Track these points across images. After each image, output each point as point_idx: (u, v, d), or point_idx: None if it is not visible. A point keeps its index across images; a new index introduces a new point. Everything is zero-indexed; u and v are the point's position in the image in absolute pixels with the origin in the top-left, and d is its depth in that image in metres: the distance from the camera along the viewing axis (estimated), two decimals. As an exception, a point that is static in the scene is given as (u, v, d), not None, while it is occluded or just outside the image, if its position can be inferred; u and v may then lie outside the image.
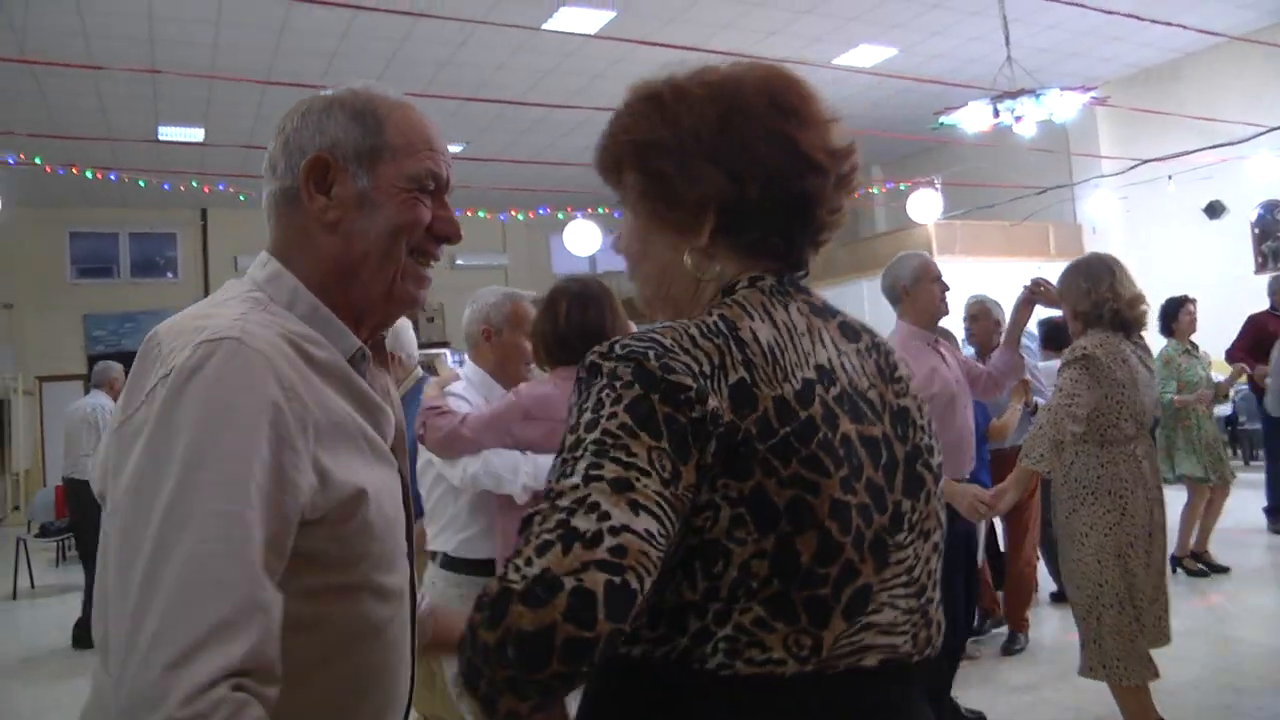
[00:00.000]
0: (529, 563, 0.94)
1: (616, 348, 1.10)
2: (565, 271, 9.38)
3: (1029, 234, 14.34)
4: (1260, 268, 12.46)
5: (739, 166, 1.20)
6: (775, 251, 1.25)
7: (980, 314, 5.39)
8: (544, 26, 10.35)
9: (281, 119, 1.36)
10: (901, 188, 12.79)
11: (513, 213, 15.06)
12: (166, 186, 12.19)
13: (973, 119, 8.49)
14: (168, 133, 12.78)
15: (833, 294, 14.44)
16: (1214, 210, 13.31)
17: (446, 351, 16.68)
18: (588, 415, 1.06)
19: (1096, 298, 3.62)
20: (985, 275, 11.94)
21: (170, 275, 17.38)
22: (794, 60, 7.12)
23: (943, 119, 8.80)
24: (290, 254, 1.32)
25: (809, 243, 1.28)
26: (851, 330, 1.29)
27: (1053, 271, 4.68)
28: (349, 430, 1.23)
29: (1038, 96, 8.09)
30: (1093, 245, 14.42)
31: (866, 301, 13.17)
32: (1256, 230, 13.07)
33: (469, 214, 14.89)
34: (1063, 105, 8.21)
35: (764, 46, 11.00)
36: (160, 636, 0.98)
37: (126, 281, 17.03)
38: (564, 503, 0.98)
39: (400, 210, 1.31)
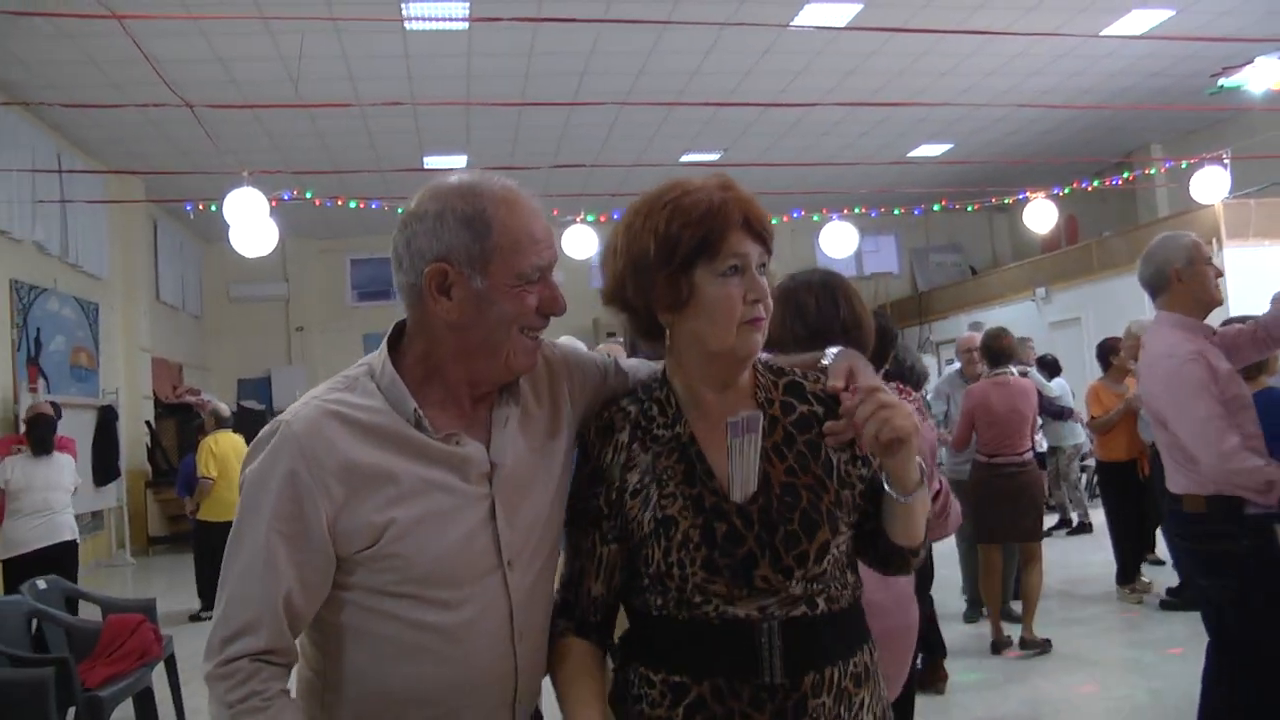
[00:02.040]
0: None
1: None
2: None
3: (1337, 211, 12.86)
4: None
5: None
6: None
7: None
8: (792, 23, 10.14)
9: (403, 215, 1.61)
10: (1184, 166, 11.74)
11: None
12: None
13: (1260, 77, 7.56)
14: (432, 161, 13.44)
15: (1112, 286, 13.56)
16: None
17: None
18: None
19: None
20: (1284, 261, 10.80)
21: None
22: (1059, 34, 6.61)
23: (1222, 81, 7.94)
24: (417, 335, 1.64)
25: None
26: None
27: None
28: (383, 478, 1.56)
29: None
30: None
31: (1145, 300, 12.20)
32: None
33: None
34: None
35: (1025, 23, 10.32)
36: (217, 624, 1.53)
37: (399, 302, 17.98)
38: None
39: (512, 305, 1.58)
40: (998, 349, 6.29)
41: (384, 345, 1.66)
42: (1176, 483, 3.43)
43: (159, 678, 5.08)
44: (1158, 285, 3.57)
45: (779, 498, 1.60)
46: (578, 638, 1.69)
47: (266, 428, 1.59)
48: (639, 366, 1.87)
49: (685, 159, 14.11)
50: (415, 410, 1.58)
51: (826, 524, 1.60)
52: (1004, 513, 6.07)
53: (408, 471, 1.57)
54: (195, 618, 8.22)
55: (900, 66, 11.75)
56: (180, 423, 14.25)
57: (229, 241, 9.34)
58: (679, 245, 1.57)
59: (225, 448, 8.69)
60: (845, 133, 13.80)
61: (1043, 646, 5.99)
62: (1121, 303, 12.57)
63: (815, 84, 11.95)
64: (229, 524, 1.59)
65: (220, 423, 9.03)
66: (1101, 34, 11.10)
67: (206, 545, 8.27)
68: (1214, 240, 11.94)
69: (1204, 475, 3.32)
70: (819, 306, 2.52)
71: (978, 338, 6.94)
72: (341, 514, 1.53)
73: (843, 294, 2.62)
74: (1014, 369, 6.40)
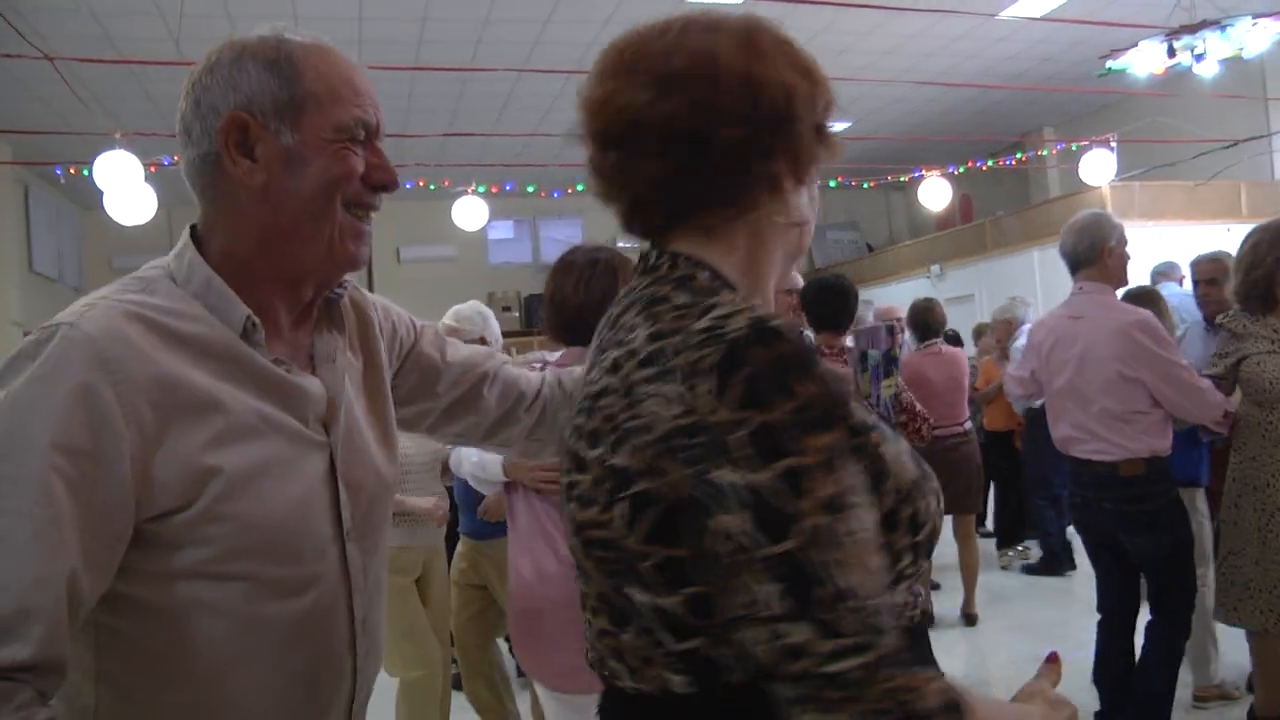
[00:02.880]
0: None
1: None
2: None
3: (1217, 194, 13.20)
4: None
5: None
6: None
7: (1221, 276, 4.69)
8: (687, -5, 10.03)
9: (189, 76, 1.27)
10: (1073, 148, 11.97)
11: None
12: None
13: (1145, 60, 7.65)
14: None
15: (1005, 264, 13.89)
16: None
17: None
18: None
19: None
20: (1167, 241, 11.08)
21: (340, 270, 17.99)
22: (958, 11, 6.59)
23: (1110, 64, 8.02)
24: (216, 224, 1.29)
25: None
26: None
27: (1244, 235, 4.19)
28: (209, 407, 1.18)
29: (1223, 29, 7.19)
30: (1293, 204, 13.28)
31: (1038, 271, 12.47)
32: None
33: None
34: (1255, 37, 7.27)
35: (925, 1, 10.39)
36: None
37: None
38: None
39: (331, 164, 1.25)
40: (929, 321, 6.29)
41: (186, 239, 1.30)
42: (1109, 451, 3.66)
43: None
44: (1089, 258, 3.80)
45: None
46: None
47: (29, 339, 1.14)
48: (477, 358, 1.64)
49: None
50: (249, 318, 1.24)
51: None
52: (947, 485, 6.08)
53: (238, 401, 1.21)
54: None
55: (799, 41, 11.71)
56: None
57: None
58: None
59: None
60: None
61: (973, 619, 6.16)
62: (1013, 280, 12.91)
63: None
64: None
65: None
66: (999, 15, 11.23)
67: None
68: None
69: (1197, 421, 3.74)
70: (590, 281, 2.58)
71: (898, 307, 7.07)
72: (153, 453, 1.12)
73: (624, 272, 2.65)
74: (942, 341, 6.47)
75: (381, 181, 1.32)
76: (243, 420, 1.20)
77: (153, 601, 1.17)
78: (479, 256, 18.15)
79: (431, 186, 11.82)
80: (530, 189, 14.45)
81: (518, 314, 17.30)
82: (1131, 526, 3.71)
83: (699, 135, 1.06)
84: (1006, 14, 11.24)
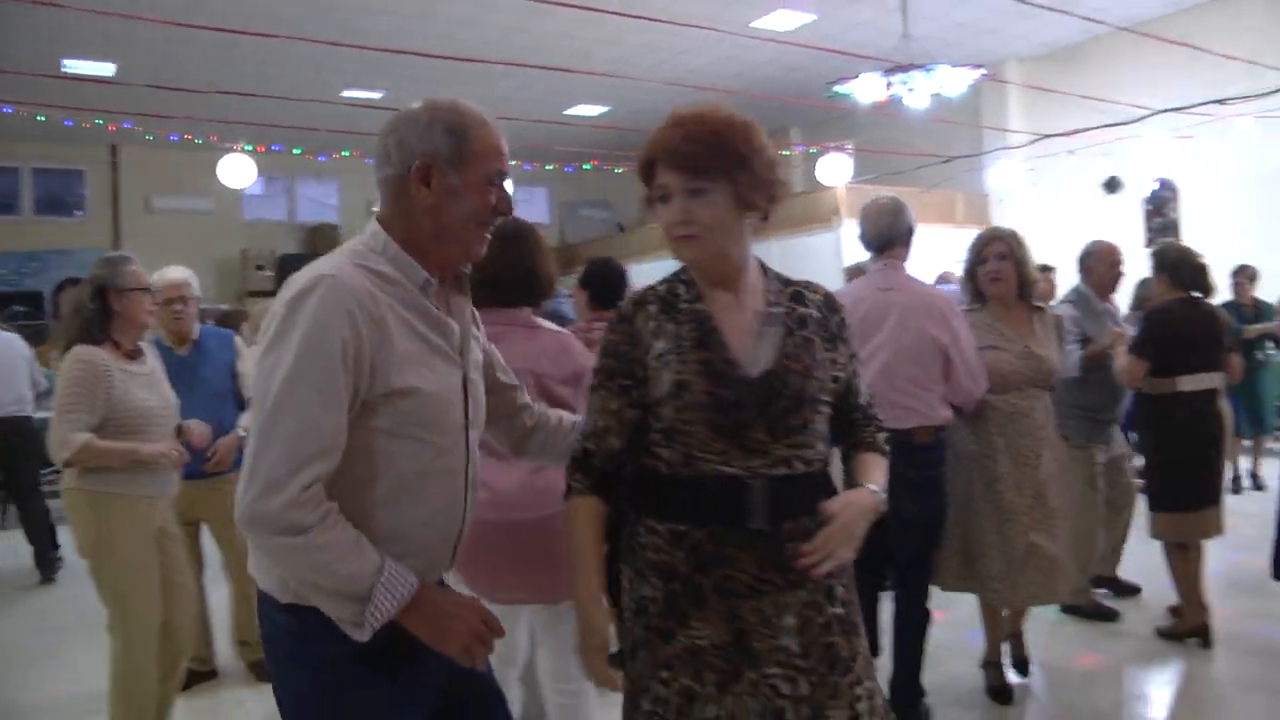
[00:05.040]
0: None
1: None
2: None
3: (938, 201, 14.57)
4: (1150, 242, 12.84)
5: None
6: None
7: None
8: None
9: (394, 122, 1.92)
10: (813, 151, 12.96)
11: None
12: (69, 123, 11.91)
13: (866, 90, 8.67)
14: (72, 65, 12.46)
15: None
16: (1111, 186, 13.71)
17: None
18: None
19: None
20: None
21: (78, 213, 16.80)
22: (708, 26, 7.16)
23: (836, 88, 8.98)
24: (395, 221, 1.92)
25: None
26: None
27: (961, 238, 4.95)
28: (408, 332, 1.85)
29: (928, 71, 8.31)
30: (998, 214, 14.80)
31: (776, 260, 13.28)
32: (1148, 206, 13.54)
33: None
34: (952, 81, 8.44)
35: (680, 7, 11.01)
36: (279, 459, 1.69)
37: (30, 219, 16.43)
38: None
39: (478, 200, 1.91)
40: None
41: (377, 227, 1.93)
42: (904, 418, 3.82)
43: None
44: (894, 240, 4.07)
45: (779, 376, 2.00)
46: (592, 495, 2.10)
47: (301, 282, 1.79)
48: None
49: (346, 94, 13.84)
50: (427, 279, 1.91)
51: (810, 402, 2.02)
52: None
53: (422, 330, 1.88)
54: None
55: (563, 29, 12.15)
56: None
57: None
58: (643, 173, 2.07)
59: None
60: (509, 84, 14.01)
61: None
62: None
63: (482, 36, 12.13)
64: None
65: None
66: (751, 25, 12.07)
67: None
68: (835, 217, 13.60)
69: (963, 399, 4.00)
70: (501, 255, 2.75)
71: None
72: (378, 354, 1.78)
73: (526, 244, 2.98)
74: None
75: (504, 210, 1.96)
76: (425, 342, 1.88)
77: (357, 444, 1.79)
78: (234, 212, 17.51)
79: (198, 140, 11.50)
80: (297, 151, 14.28)
81: (271, 272, 16.49)
82: (913, 492, 3.79)
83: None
84: (758, 24, 12.15)
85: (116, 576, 3.78)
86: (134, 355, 3.92)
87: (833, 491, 2.10)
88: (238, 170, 10.77)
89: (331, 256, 1.90)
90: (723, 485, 1.97)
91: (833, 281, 4.53)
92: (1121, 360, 4.93)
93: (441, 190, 1.88)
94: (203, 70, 12.62)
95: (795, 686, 1.97)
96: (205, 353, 4.75)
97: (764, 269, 2.19)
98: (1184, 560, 4.92)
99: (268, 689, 1.99)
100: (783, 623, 1.98)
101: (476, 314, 2.13)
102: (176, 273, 4.67)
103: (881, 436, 2.26)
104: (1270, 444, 9.37)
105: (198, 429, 4.18)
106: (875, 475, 2.15)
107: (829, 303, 2.20)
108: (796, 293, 2.18)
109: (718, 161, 1.96)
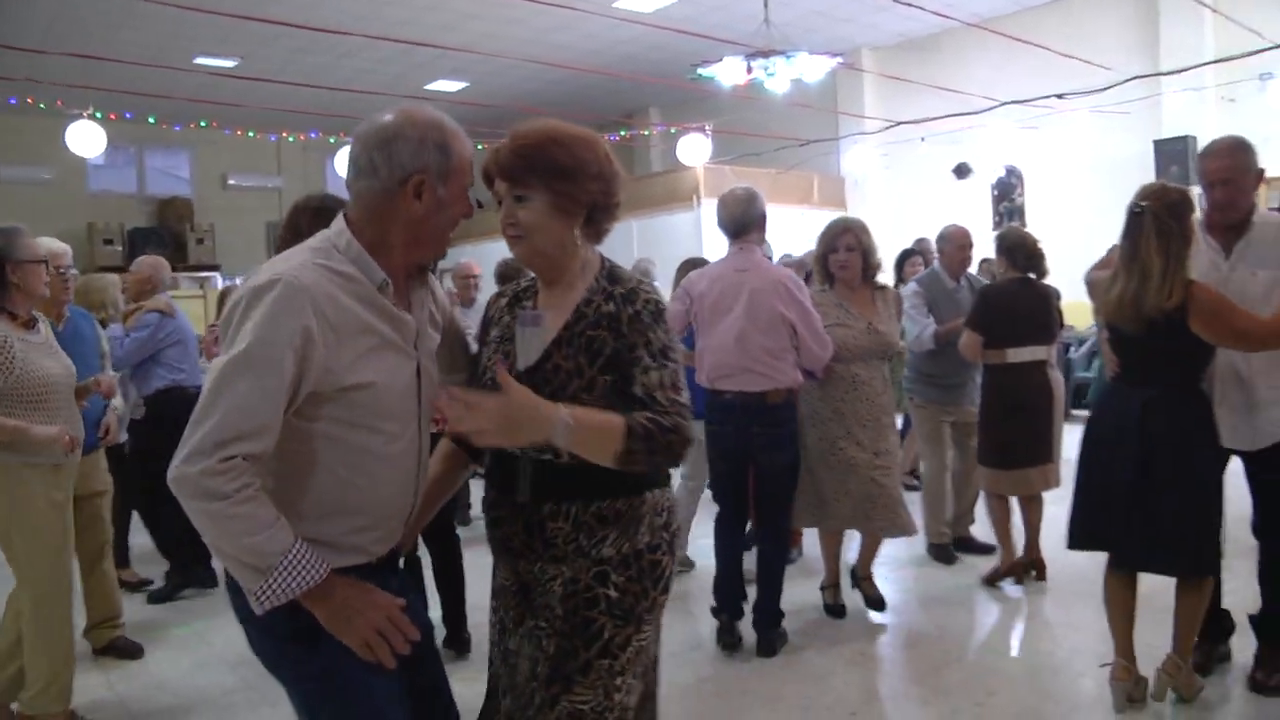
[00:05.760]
0: None
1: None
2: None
3: (795, 183, 14.91)
4: (997, 225, 13.43)
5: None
6: (603, 234, 2.34)
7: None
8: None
9: (379, 136, 2.02)
10: (673, 131, 13.10)
11: (284, 134, 14.64)
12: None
13: (728, 73, 8.84)
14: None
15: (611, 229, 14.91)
16: (961, 171, 14.24)
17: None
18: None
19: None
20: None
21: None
22: (569, 6, 7.19)
23: (700, 70, 9.13)
24: (367, 225, 2.06)
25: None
26: None
27: (817, 219, 5.35)
28: (364, 330, 1.99)
29: (789, 57, 8.51)
30: (853, 197, 15.25)
31: (635, 239, 13.39)
32: (996, 191, 14.19)
33: (239, 133, 14.37)
34: (812, 67, 8.66)
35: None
36: (211, 430, 1.83)
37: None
38: None
39: (459, 207, 2.10)
40: (516, 277, 6.75)
41: (344, 226, 2.07)
42: (758, 383, 4.53)
43: None
44: (748, 226, 4.71)
45: (546, 373, 2.19)
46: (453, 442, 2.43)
47: (259, 281, 1.92)
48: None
49: (198, 61, 13.38)
50: (385, 280, 2.05)
51: (571, 399, 2.12)
52: None
53: (378, 326, 2.03)
54: None
55: (427, 2, 12.00)
56: None
57: None
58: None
59: None
60: (368, 57, 13.71)
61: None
62: (611, 247, 13.76)
63: (347, 7, 11.87)
64: None
65: None
66: (614, 5, 12.13)
67: None
68: (694, 196, 13.76)
69: (813, 364, 4.65)
70: (312, 230, 2.80)
71: (475, 265, 7.53)
72: (332, 353, 1.93)
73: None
74: None
75: (468, 214, 2.14)
76: (380, 338, 2.03)
77: (317, 432, 1.98)
78: (77, 183, 16.72)
79: (41, 105, 10.96)
80: (152, 120, 13.73)
81: (120, 247, 15.75)
82: (770, 446, 4.60)
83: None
84: (621, 4, 12.19)
85: (28, 543, 3.86)
86: (30, 324, 3.95)
87: (628, 487, 2.21)
88: (86, 138, 10.28)
89: (295, 253, 2.04)
90: (505, 460, 2.26)
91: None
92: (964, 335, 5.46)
93: (431, 203, 2.04)
94: (48, 32, 12.03)
95: (549, 644, 2.22)
96: (77, 329, 4.70)
97: (603, 268, 2.32)
98: (1003, 510, 5.55)
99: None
100: (551, 586, 2.24)
101: (439, 297, 2.31)
102: (56, 244, 4.68)
103: (665, 422, 2.12)
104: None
105: (105, 380, 4.36)
106: (588, 415, 2.05)
107: (628, 297, 2.23)
108: (625, 292, 2.24)
109: (537, 172, 2.18)
